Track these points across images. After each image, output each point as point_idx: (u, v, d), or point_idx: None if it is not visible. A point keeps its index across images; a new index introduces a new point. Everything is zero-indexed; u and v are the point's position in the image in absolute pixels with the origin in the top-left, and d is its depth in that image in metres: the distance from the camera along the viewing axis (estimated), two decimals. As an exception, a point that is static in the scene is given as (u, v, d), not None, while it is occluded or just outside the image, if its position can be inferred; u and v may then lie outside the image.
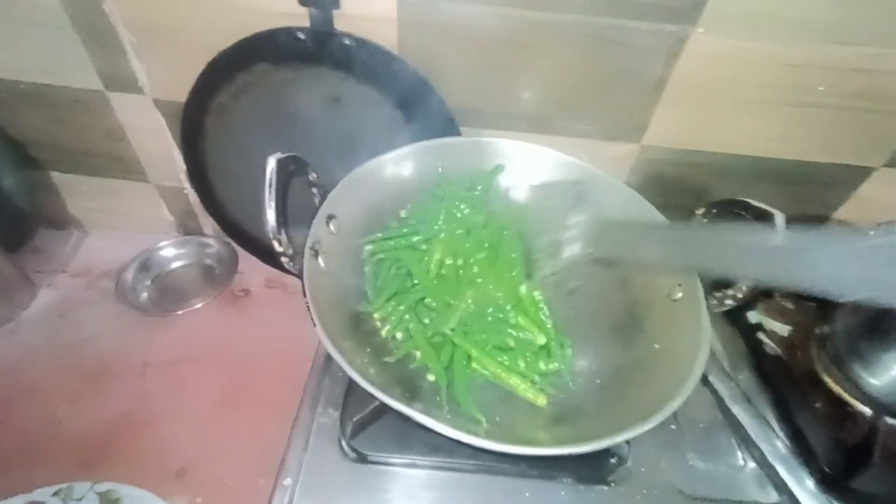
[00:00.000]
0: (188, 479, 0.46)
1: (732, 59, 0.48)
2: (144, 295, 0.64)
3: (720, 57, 0.48)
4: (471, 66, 0.50)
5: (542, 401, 0.37)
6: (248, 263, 0.67)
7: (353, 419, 0.39)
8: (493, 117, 0.54)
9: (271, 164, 0.34)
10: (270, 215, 0.33)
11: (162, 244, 0.68)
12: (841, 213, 0.62)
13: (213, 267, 0.69)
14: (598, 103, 0.53)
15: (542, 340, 0.40)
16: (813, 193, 0.60)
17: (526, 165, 0.51)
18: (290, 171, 0.37)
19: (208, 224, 0.69)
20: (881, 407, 0.44)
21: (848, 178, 0.58)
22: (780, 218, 0.34)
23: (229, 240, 0.68)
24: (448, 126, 0.53)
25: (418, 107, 0.52)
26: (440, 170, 0.49)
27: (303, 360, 0.50)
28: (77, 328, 0.60)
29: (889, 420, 0.43)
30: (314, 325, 0.32)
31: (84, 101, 0.55)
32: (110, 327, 0.60)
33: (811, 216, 0.63)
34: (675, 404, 0.30)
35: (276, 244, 0.34)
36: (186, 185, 0.64)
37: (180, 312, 0.61)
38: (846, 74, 0.48)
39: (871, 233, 0.46)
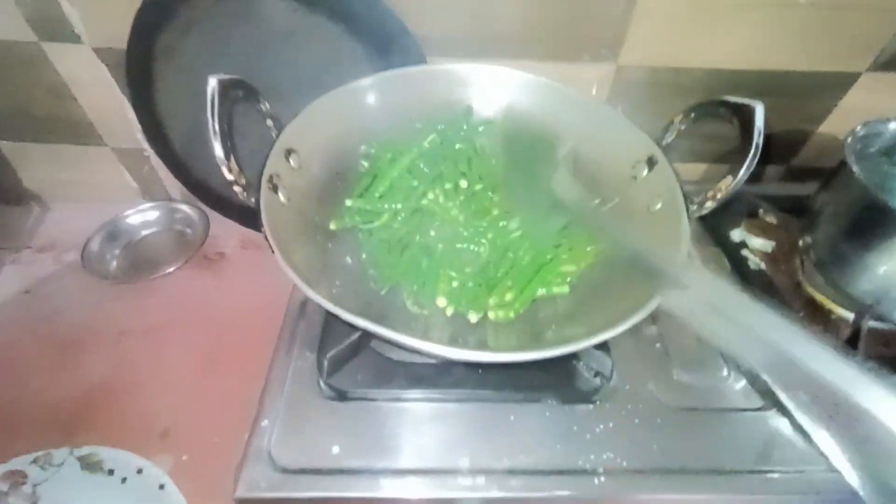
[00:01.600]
0: (172, 438, 0.46)
1: (709, -41, 0.45)
2: (114, 264, 0.62)
3: (695, -43, 0.45)
4: (432, -12, 0.47)
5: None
6: (222, 226, 0.64)
7: (329, 355, 0.37)
8: (461, 44, 0.51)
9: (212, 83, 0.31)
10: (216, 140, 0.31)
11: (129, 212, 0.65)
12: (825, 128, 0.60)
13: (184, 232, 0.66)
14: (568, 21, 0.50)
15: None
16: (796, 107, 0.58)
17: (496, 90, 0.48)
18: (237, 96, 0.34)
19: (175, 188, 0.66)
20: (865, 308, 0.44)
21: (832, 86, 0.56)
22: (759, 108, 0.32)
23: (199, 203, 0.65)
24: (414, 56, 0.50)
25: (380, 37, 0.48)
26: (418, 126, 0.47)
27: (281, 316, 0.49)
28: (46, 303, 0.57)
29: (871, 322, 0.43)
30: (272, 252, 0.30)
31: (17, 54, 0.51)
32: (81, 299, 0.57)
33: (795, 131, 0.61)
34: (653, 304, 0.29)
35: (225, 171, 0.31)
36: (146, 145, 0.60)
37: (152, 279, 0.59)
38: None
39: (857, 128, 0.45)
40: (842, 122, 0.59)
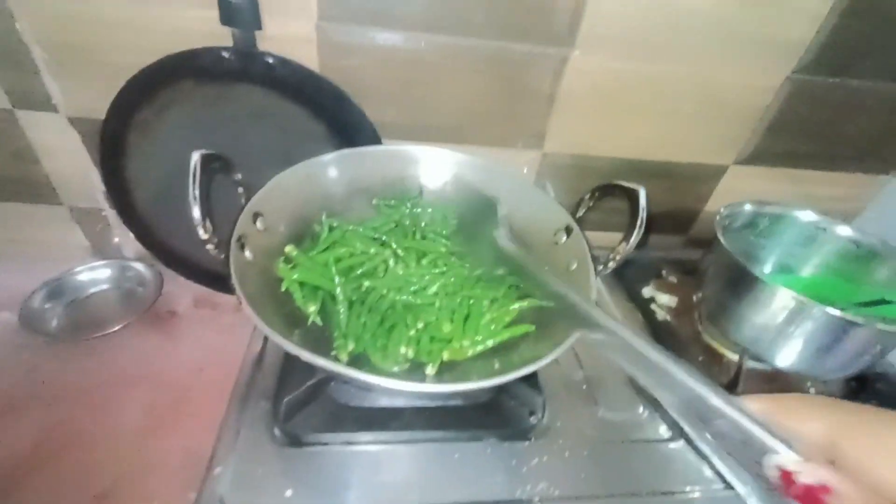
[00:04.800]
0: (110, 501, 0.44)
1: (607, 75, 0.58)
2: (55, 322, 0.60)
3: (597, 74, 0.57)
4: (388, 83, 0.56)
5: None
6: (175, 284, 0.65)
7: (286, 399, 0.40)
8: (412, 129, 0.60)
9: (195, 157, 0.36)
10: (195, 205, 0.35)
11: (78, 269, 0.64)
12: (710, 206, 0.74)
13: (135, 290, 0.66)
14: (501, 115, 0.60)
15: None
16: (686, 189, 0.72)
17: (440, 168, 0.56)
18: (214, 168, 0.39)
19: (129, 245, 0.67)
20: (743, 351, 0.53)
21: (709, 174, 0.70)
22: (642, 191, 0.42)
23: (154, 261, 0.66)
24: (370, 138, 0.57)
25: (341, 120, 0.56)
26: (374, 202, 0.55)
27: (234, 375, 0.50)
28: (-27, 366, 0.54)
29: (749, 362, 0.52)
30: (239, 302, 0.33)
31: (-16, 118, 0.53)
32: (14, 359, 0.55)
33: (689, 210, 0.74)
34: (570, 341, 0.35)
35: (201, 231, 0.35)
36: (105, 205, 0.62)
37: (96, 336, 0.58)
38: (694, 86, 0.60)
39: (721, 210, 0.57)
40: (721, 201, 0.73)
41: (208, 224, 0.36)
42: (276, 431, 0.40)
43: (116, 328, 0.59)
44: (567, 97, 0.59)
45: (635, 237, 0.42)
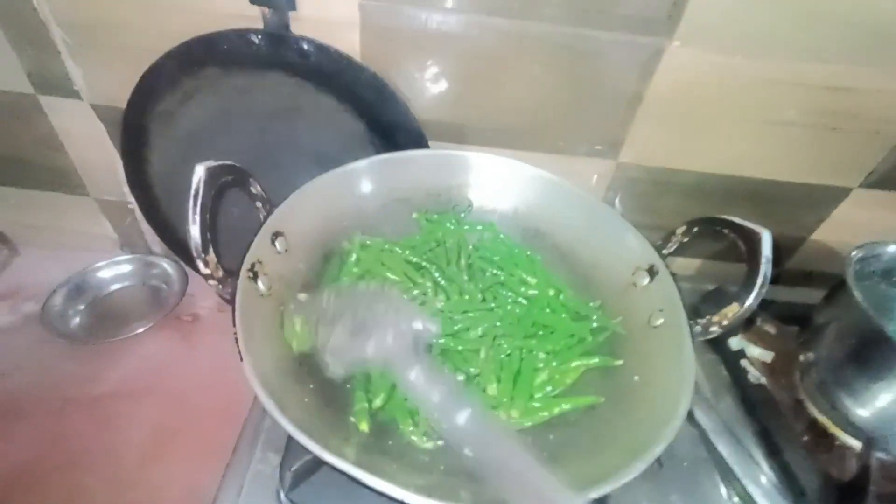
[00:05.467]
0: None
1: (707, 75, 0.46)
2: (76, 321, 0.57)
3: (695, 72, 0.46)
4: (438, 77, 0.48)
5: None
6: (200, 285, 0.61)
7: (293, 468, 0.33)
8: (463, 130, 0.51)
9: (199, 172, 0.29)
10: (195, 231, 0.29)
11: (100, 264, 0.61)
12: (819, 235, 0.61)
13: (160, 288, 0.62)
14: (572, 118, 0.50)
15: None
16: (789, 214, 0.59)
17: (497, 180, 0.47)
18: (226, 182, 0.32)
19: (157, 241, 0.63)
20: (870, 441, 0.41)
21: (824, 199, 0.57)
22: (766, 235, 0.31)
23: (179, 259, 0.62)
24: (416, 139, 0.49)
25: (383, 118, 0.48)
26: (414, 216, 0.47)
27: (250, 397, 0.45)
28: (-9, 359, 0.52)
29: (879, 455, 0.41)
30: (240, 358, 0.27)
31: (11, 104, 0.50)
32: (31, 358, 0.53)
33: (788, 237, 0.61)
34: (658, 450, 0.26)
35: (200, 265, 0.29)
36: (131, 199, 0.58)
37: (115, 340, 0.55)
38: (819, 92, 0.47)
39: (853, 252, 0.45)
40: (834, 231, 0.60)
41: (212, 255, 0.29)
42: (282, 496, 0.34)
43: (136, 332, 0.56)
44: (656, 98, 0.48)
45: (753, 298, 0.31)
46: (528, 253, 0.46)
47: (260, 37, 0.44)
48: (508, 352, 0.38)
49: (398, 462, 0.30)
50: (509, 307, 0.42)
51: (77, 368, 0.52)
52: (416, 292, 0.41)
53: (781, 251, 0.63)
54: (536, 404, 0.34)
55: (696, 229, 0.38)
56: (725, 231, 0.35)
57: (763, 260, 0.31)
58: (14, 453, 0.44)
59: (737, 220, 0.34)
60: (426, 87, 0.48)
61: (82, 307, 0.59)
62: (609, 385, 0.35)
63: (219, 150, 0.49)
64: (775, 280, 0.64)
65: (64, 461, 0.44)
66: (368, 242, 0.44)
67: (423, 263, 0.43)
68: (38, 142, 0.53)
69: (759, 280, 0.31)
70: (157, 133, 0.49)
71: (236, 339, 0.28)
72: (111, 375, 0.52)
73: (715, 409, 0.46)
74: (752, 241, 0.32)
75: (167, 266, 0.63)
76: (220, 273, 0.30)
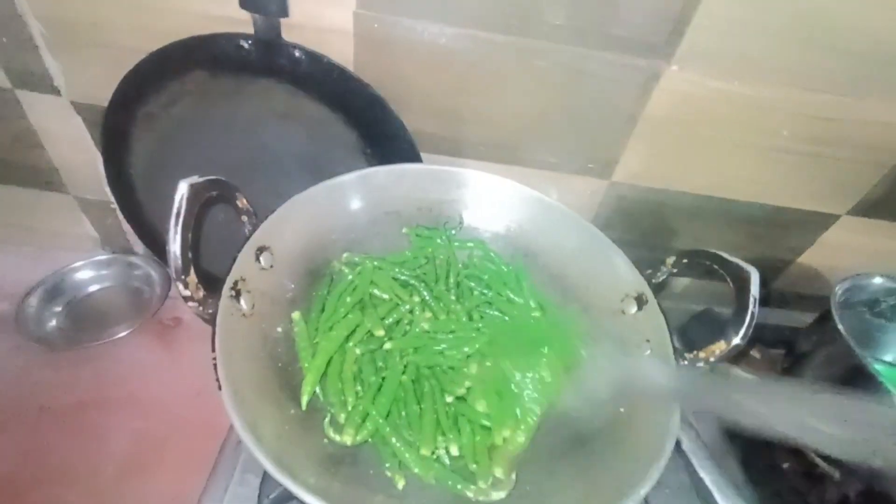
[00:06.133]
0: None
1: (704, 99, 0.46)
2: (52, 324, 0.56)
3: (692, 96, 0.46)
4: (433, 89, 0.47)
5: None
6: (182, 288, 0.60)
7: (270, 496, 0.33)
8: (457, 143, 0.50)
9: (182, 189, 0.28)
10: (175, 252, 0.27)
11: (77, 264, 0.59)
12: (805, 258, 0.61)
13: (141, 290, 0.61)
14: (566, 135, 0.50)
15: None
16: (779, 237, 0.59)
17: (489, 199, 0.47)
18: (211, 198, 0.31)
19: (140, 242, 0.61)
20: (850, 470, 0.42)
21: (813, 224, 0.57)
22: (754, 275, 0.31)
23: (162, 261, 0.61)
24: (408, 151, 0.48)
25: (375, 128, 0.47)
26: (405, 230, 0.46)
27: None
28: (-38, 365, 0.51)
29: (858, 485, 0.41)
30: (218, 386, 0.26)
31: (-15, 98, 0.47)
32: (4, 364, 0.51)
33: (778, 259, 0.62)
34: (643, 492, 0.26)
35: (180, 287, 0.28)
36: (113, 198, 0.56)
37: (93, 344, 0.53)
38: (812, 120, 0.47)
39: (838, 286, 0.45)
40: (821, 255, 0.60)
41: (192, 276, 0.28)
42: (260, 522, 0.33)
43: (116, 336, 0.54)
44: (652, 119, 0.48)
45: (741, 338, 0.31)
46: (516, 272, 0.45)
47: (250, 42, 0.42)
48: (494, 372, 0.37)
49: (383, 492, 0.29)
50: (497, 327, 0.41)
51: (53, 375, 0.50)
52: (404, 309, 0.40)
53: (769, 272, 0.64)
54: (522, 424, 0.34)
55: (685, 260, 0.38)
56: (715, 266, 0.34)
57: (751, 300, 0.31)
58: (-10, 466, 0.43)
59: (726, 256, 0.34)
60: (420, 99, 0.47)
61: (59, 309, 0.57)
62: (593, 416, 0.35)
63: (205, 156, 0.49)
64: (762, 302, 0.65)
65: (42, 475, 0.43)
66: (357, 259, 0.43)
67: (412, 281, 0.42)
68: (16, 138, 0.51)
69: (747, 319, 0.31)
70: (139, 136, 0.48)
71: (215, 366, 0.27)
72: (89, 382, 0.50)
73: (697, 432, 0.46)
74: (741, 279, 0.32)
75: (149, 267, 0.62)
76: (201, 294, 0.29)
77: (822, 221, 0.57)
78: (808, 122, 0.47)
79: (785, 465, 0.45)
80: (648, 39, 0.42)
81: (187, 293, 0.28)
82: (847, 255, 0.59)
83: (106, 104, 0.46)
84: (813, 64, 0.43)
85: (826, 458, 0.44)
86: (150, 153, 0.49)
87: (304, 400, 0.32)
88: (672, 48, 0.43)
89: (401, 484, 0.30)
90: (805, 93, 0.45)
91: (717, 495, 0.41)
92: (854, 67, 0.43)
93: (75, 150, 0.52)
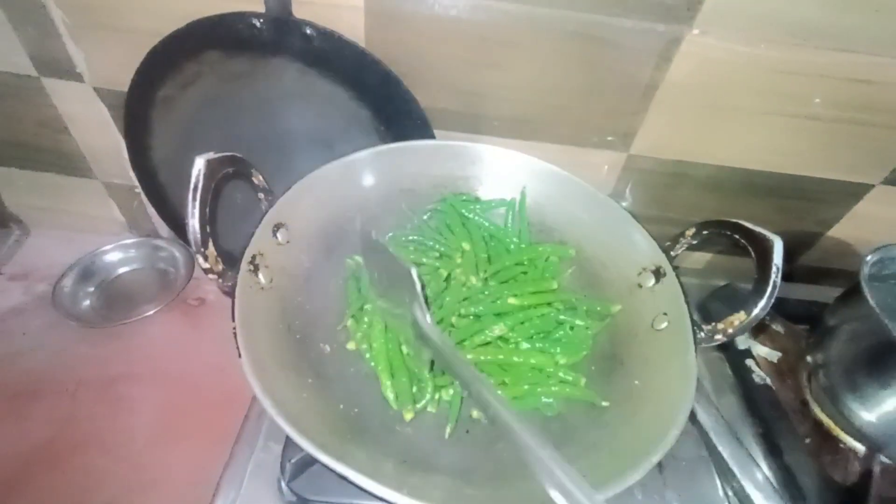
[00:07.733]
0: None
1: (728, 65, 0.44)
2: (86, 303, 0.58)
3: (715, 61, 0.44)
4: (446, 63, 0.46)
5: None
6: (206, 269, 0.62)
7: (293, 460, 0.34)
8: (470, 119, 0.50)
9: (199, 165, 0.29)
10: (194, 226, 0.28)
11: (107, 247, 0.62)
12: (836, 231, 0.59)
13: (167, 272, 0.63)
14: (583, 108, 0.49)
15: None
16: (808, 210, 0.57)
17: (504, 173, 0.46)
18: (227, 174, 0.32)
19: (164, 225, 0.63)
20: (876, 445, 0.41)
21: (844, 194, 0.55)
22: (777, 243, 0.30)
23: (185, 243, 0.62)
24: (422, 127, 0.48)
25: (388, 105, 0.47)
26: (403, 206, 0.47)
27: (254, 382, 0.46)
28: (6, 341, 0.54)
29: (884, 460, 0.40)
30: (239, 355, 0.27)
31: (13, 86, 0.49)
32: (44, 340, 0.54)
33: (806, 233, 0.60)
34: (656, 459, 0.26)
35: (200, 259, 0.29)
36: (137, 182, 0.58)
37: (124, 323, 0.56)
38: (844, 84, 0.45)
39: (869, 256, 0.43)
40: (853, 228, 0.58)
41: (211, 249, 0.29)
42: (283, 485, 0.35)
43: (145, 315, 0.56)
44: (672, 88, 0.46)
45: (761, 308, 0.30)
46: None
47: (261, 20, 0.42)
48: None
49: (395, 456, 0.30)
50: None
51: (89, 350, 0.53)
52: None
53: (796, 247, 0.61)
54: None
55: (705, 232, 0.37)
56: (736, 236, 0.33)
57: (773, 269, 0.30)
58: (32, 433, 0.46)
59: (748, 224, 0.33)
60: (432, 74, 0.46)
61: (91, 289, 0.60)
62: (609, 388, 0.35)
63: (222, 136, 0.49)
64: (787, 277, 0.63)
65: (77, 442, 0.45)
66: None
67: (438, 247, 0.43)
68: (43, 124, 0.53)
69: (769, 290, 0.30)
70: (159, 119, 0.49)
71: (235, 335, 0.28)
72: (121, 358, 0.53)
73: (716, 408, 0.46)
74: (763, 248, 0.31)
75: (174, 250, 0.64)
76: (220, 266, 0.30)
77: (855, 192, 0.54)
78: (841, 86, 0.45)
79: (807, 441, 0.44)
80: (668, 2, 0.40)
81: (207, 266, 0.29)
82: (882, 227, 0.57)
83: (126, 89, 0.47)
84: (845, 24, 0.41)
85: (852, 433, 0.43)
86: (170, 137, 0.50)
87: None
88: (693, 11, 0.41)
89: (409, 416, 0.32)
90: (839, 54, 0.43)
91: (734, 468, 0.41)
92: (889, 27, 0.41)
93: (100, 135, 0.54)
